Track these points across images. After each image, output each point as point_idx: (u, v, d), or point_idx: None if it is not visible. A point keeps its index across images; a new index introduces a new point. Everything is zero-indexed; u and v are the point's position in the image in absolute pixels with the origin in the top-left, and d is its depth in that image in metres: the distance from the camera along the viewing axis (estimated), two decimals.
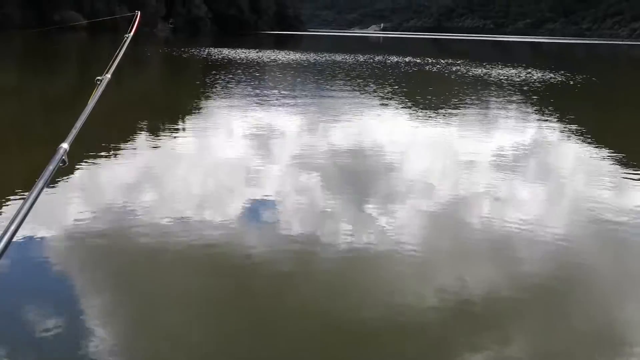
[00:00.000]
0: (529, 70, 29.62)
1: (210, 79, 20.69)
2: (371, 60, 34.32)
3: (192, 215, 5.91)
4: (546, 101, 18.13)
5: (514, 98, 18.10)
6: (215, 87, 17.98)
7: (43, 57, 29.84)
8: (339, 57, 36.54)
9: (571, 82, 24.26)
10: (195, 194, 6.79)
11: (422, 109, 15.55)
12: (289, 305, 4.23)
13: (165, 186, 7.11)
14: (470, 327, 3.97)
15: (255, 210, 6.34)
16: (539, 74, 27.54)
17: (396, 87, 20.48)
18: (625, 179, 8.28)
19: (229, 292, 4.43)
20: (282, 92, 17.10)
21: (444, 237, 5.71)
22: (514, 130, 12.39)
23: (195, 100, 15.33)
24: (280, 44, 62.06)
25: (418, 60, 36.37)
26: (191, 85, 20.40)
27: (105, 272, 4.68)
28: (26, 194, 1.59)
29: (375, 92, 18.61)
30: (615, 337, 3.96)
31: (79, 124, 2.15)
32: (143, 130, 10.80)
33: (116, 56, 3.10)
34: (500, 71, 28.70)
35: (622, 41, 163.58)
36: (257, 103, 14.60)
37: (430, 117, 14.21)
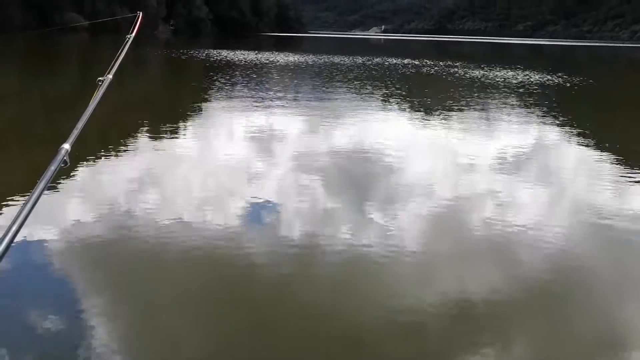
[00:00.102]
0: (527, 73, 29.63)
1: (209, 80, 20.72)
2: (369, 62, 34.32)
3: (192, 217, 5.92)
4: (541, 103, 18.14)
5: (509, 100, 18.13)
6: (214, 89, 18.02)
7: (44, 58, 29.87)
8: (337, 59, 36.55)
9: (568, 85, 24.26)
10: (195, 196, 6.80)
11: (417, 110, 15.58)
12: (290, 307, 4.23)
13: (166, 187, 7.12)
14: (471, 331, 3.97)
15: (256, 211, 6.34)
16: (537, 76, 27.56)
17: (392, 88, 20.52)
18: (620, 180, 8.27)
19: (230, 294, 4.43)
20: (277, 94, 17.10)
21: (444, 240, 5.71)
22: (509, 132, 12.37)
23: (195, 101, 15.34)
24: (281, 45, 62.08)
25: (416, 62, 36.37)
26: (190, 86, 20.42)
27: (105, 272, 4.68)
28: (28, 194, 1.58)
29: (372, 94, 18.63)
30: (616, 340, 3.96)
31: (80, 124, 2.15)
32: (144, 131, 10.80)
33: (117, 57, 3.10)
34: (498, 73, 28.70)
35: (623, 44, 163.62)
36: (252, 105, 14.61)
37: (425, 118, 14.23)
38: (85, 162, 7.78)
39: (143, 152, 9.07)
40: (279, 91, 18.07)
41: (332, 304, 4.26)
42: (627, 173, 8.86)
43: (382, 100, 17.18)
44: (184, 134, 10.72)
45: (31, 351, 3.57)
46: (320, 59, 35.87)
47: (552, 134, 12.38)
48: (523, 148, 10.45)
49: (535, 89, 21.64)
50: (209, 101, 15.64)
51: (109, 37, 35.63)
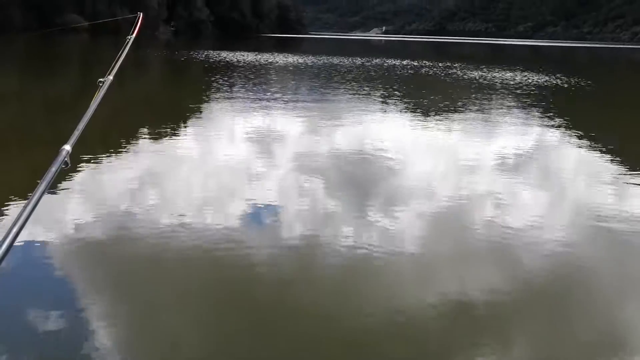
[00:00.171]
0: (525, 74, 29.63)
1: (207, 81, 20.74)
2: (368, 63, 34.33)
3: (192, 217, 5.93)
4: (541, 103, 18.14)
5: (507, 101, 18.15)
6: (213, 89, 18.04)
7: (45, 59, 29.89)
8: (336, 60, 36.56)
9: (565, 85, 24.26)
10: (195, 196, 6.81)
11: (413, 111, 15.60)
12: (289, 307, 4.23)
13: (166, 188, 7.13)
14: (471, 331, 3.97)
15: (255, 212, 6.35)
16: (535, 77, 27.57)
17: (389, 89, 20.54)
18: (619, 180, 8.28)
19: (230, 294, 4.44)
20: (275, 95, 17.10)
21: (443, 241, 5.71)
22: (507, 133, 12.39)
23: (194, 102, 15.37)
24: (281, 47, 62.08)
25: (415, 64, 36.37)
26: (190, 87, 20.45)
27: (106, 273, 4.69)
28: (28, 195, 1.59)
29: (369, 94, 18.65)
30: (616, 340, 3.97)
31: (81, 125, 2.16)
32: (144, 132, 10.81)
33: (118, 58, 3.11)
34: (495, 74, 28.71)
35: (624, 45, 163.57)
36: (250, 106, 14.63)
37: (421, 119, 14.24)
38: (86, 163, 7.79)
39: (143, 153, 9.08)
40: (277, 92, 18.08)
41: (332, 305, 4.26)
42: (627, 173, 8.87)
43: (379, 102, 17.18)
44: (184, 135, 10.73)
45: (31, 351, 3.58)
46: (319, 60, 35.88)
47: (551, 134, 12.36)
48: (522, 149, 10.44)
49: (533, 90, 21.63)
50: (208, 102, 15.66)
51: (110, 38, 35.64)
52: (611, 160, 9.92)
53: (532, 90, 21.42)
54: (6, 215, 5.72)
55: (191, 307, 4.20)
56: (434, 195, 7.21)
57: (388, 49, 79.45)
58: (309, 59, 36.75)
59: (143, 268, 4.82)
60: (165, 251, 5.08)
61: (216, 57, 34.55)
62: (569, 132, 12.89)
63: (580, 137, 12.11)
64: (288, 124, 12.39)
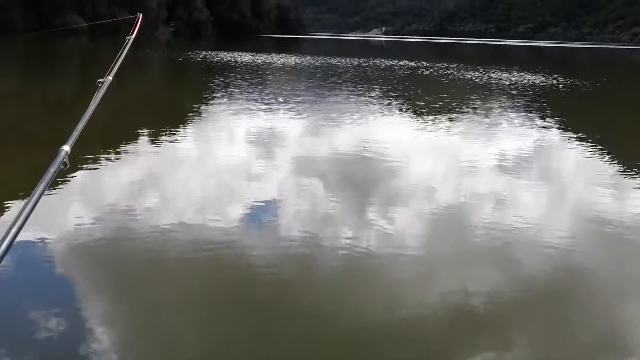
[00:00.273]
0: (522, 74, 29.63)
1: (206, 81, 20.76)
2: (365, 64, 34.33)
3: (192, 218, 5.93)
4: (540, 104, 18.14)
5: (500, 101, 18.17)
6: (211, 90, 18.05)
7: (44, 60, 29.88)
8: (334, 61, 36.56)
9: (560, 86, 24.25)
10: (195, 197, 6.81)
11: (406, 111, 15.62)
12: (290, 308, 4.24)
13: (166, 189, 7.13)
14: (472, 332, 3.98)
15: (255, 213, 6.35)
16: (531, 77, 27.58)
17: (384, 89, 20.55)
18: (619, 181, 8.28)
19: (230, 295, 4.44)
20: (272, 96, 17.11)
21: (443, 242, 5.72)
22: (506, 134, 12.41)
23: (192, 103, 15.37)
24: (280, 47, 62.04)
25: (413, 64, 36.37)
26: (189, 87, 20.47)
27: (106, 273, 4.69)
28: (28, 196, 1.60)
29: (363, 95, 18.66)
30: (616, 340, 3.97)
31: (80, 126, 2.16)
32: (144, 133, 10.81)
33: (117, 59, 3.11)
34: (492, 75, 28.71)
35: (624, 45, 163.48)
36: (247, 107, 14.64)
37: (415, 119, 14.27)
38: (85, 164, 7.79)
39: (142, 153, 9.08)
40: (274, 92, 18.09)
41: (332, 305, 4.27)
42: (627, 174, 8.88)
43: (376, 102, 17.18)
44: (184, 136, 10.73)
45: (31, 351, 3.58)
46: (317, 61, 35.88)
47: (548, 135, 12.36)
48: (518, 149, 10.44)
49: (528, 90, 21.64)
50: (206, 103, 15.65)
51: (109, 39, 35.66)
52: (612, 160, 9.92)
53: (528, 91, 21.41)
54: (5, 215, 5.72)
55: (191, 307, 4.20)
56: (432, 195, 7.22)
57: (387, 49, 79.45)
58: (307, 60, 36.73)
59: (143, 268, 4.82)
60: (165, 251, 5.08)
61: (214, 57, 34.54)
62: (567, 132, 12.88)
63: (583, 138, 12.10)
64: (284, 124, 12.38)
